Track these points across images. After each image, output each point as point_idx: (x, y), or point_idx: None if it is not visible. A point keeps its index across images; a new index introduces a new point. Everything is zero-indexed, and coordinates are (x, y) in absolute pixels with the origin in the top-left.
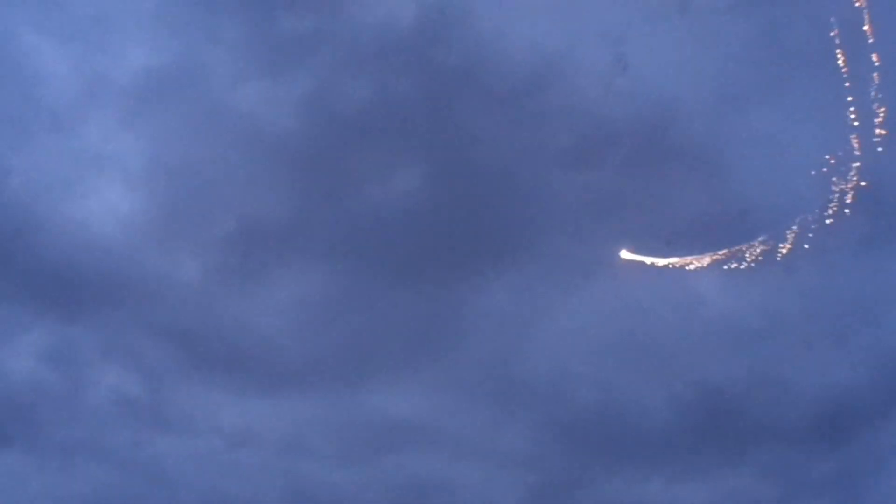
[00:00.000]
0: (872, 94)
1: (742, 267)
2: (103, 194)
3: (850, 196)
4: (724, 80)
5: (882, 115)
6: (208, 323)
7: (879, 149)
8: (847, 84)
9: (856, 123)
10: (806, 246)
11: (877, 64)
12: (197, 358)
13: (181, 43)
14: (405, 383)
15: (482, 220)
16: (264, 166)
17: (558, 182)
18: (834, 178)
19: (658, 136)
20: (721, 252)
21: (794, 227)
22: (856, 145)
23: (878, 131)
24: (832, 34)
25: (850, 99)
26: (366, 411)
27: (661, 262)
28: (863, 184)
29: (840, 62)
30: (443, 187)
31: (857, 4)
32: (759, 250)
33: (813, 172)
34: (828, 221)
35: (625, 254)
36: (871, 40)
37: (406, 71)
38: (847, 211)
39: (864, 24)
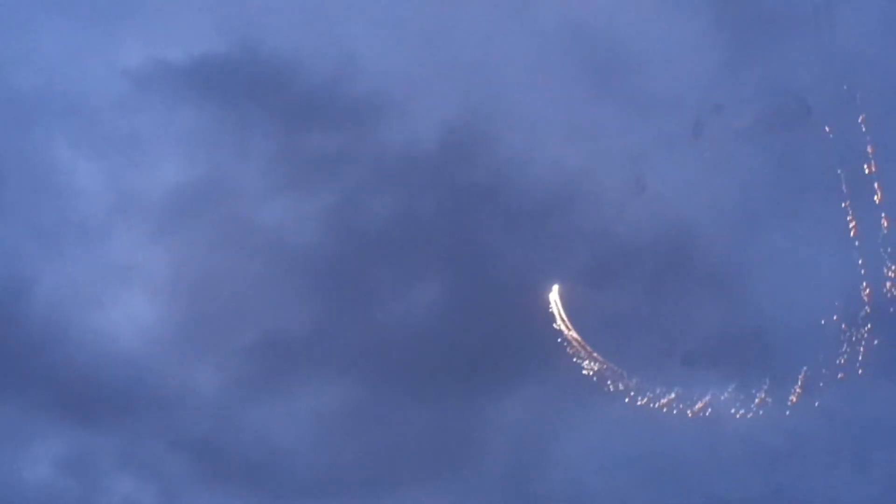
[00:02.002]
0: (881, 250)
1: (749, 416)
2: (127, 305)
3: (860, 352)
4: (738, 207)
5: (893, 272)
6: (226, 434)
7: (891, 309)
8: (857, 242)
9: (864, 276)
10: (816, 403)
11: (885, 225)
12: (213, 469)
13: (211, 159)
14: (423, 497)
15: (500, 336)
16: (287, 280)
17: (577, 301)
18: (843, 326)
19: (673, 258)
20: (728, 391)
21: (802, 376)
22: (866, 298)
23: (887, 285)
24: (844, 200)
25: (860, 262)
26: None
27: (664, 400)
28: (875, 342)
29: (849, 221)
30: (462, 303)
31: (867, 172)
32: (765, 396)
33: (822, 321)
34: (839, 376)
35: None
36: (877, 198)
37: (429, 189)
38: (860, 370)
39: (875, 189)
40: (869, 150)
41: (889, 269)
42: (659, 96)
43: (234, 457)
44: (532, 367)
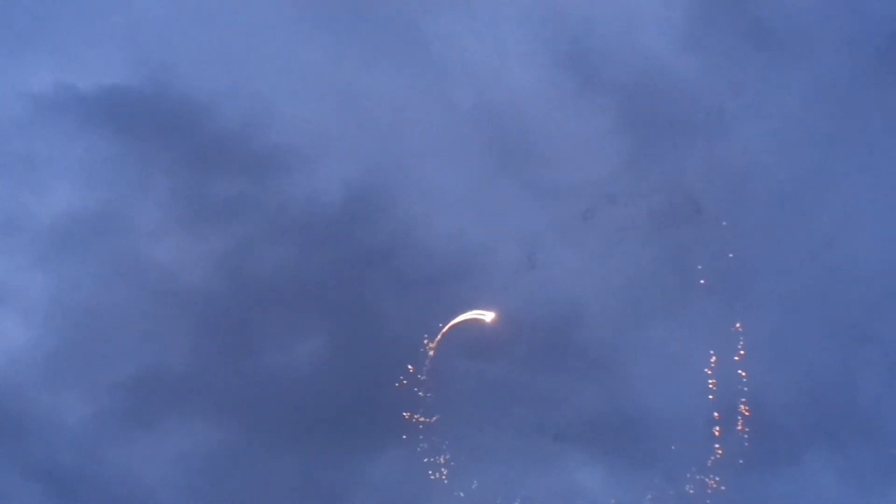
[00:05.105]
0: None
1: None
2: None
3: (709, 487)
4: (620, 297)
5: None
6: (86, 468)
7: (741, 460)
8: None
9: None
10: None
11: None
12: (68, 503)
13: (108, 190)
14: None
15: (380, 396)
16: (170, 319)
17: (458, 370)
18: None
19: (554, 339)
20: None
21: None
22: (717, 434)
23: (740, 426)
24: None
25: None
26: None
27: None
28: (722, 488)
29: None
30: (342, 362)
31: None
32: None
33: (673, 447)
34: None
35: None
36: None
37: (324, 245)
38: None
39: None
40: (738, 326)
41: (743, 407)
42: (558, 183)
43: (92, 492)
44: (412, 430)
